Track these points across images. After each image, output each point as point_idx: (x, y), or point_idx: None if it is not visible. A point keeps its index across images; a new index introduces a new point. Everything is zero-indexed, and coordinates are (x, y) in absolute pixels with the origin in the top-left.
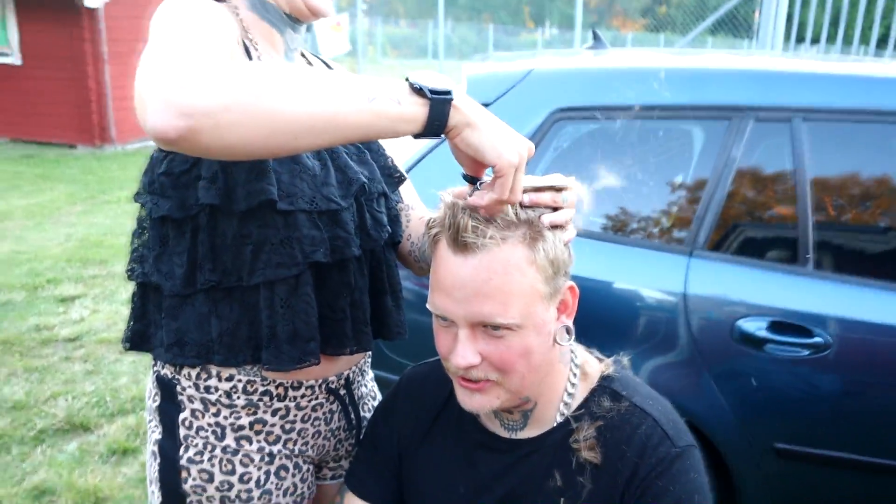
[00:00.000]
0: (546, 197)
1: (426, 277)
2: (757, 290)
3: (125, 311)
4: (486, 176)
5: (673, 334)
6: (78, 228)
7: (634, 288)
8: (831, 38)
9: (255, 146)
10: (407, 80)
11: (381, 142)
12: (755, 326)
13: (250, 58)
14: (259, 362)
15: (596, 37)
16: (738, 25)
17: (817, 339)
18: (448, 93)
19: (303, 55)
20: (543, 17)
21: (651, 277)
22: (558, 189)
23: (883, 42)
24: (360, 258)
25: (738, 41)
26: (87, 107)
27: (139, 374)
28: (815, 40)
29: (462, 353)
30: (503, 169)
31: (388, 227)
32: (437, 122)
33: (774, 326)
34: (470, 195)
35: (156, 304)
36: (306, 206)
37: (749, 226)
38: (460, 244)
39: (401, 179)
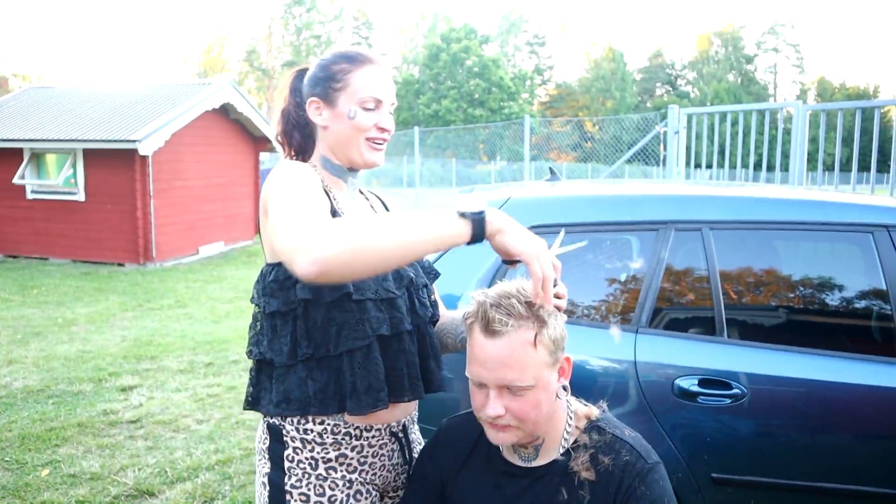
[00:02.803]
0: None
1: None
2: (688, 356)
3: (175, 396)
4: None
5: (628, 392)
6: (130, 331)
7: (597, 358)
8: (720, 164)
9: (363, 274)
10: (455, 209)
11: None
12: (689, 383)
13: (329, 199)
14: (344, 410)
15: (552, 172)
16: (648, 156)
17: (735, 391)
18: (482, 213)
19: (361, 192)
20: (495, 153)
21: (609, 350)
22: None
23: (758, 166)
24: (411, 332)
25: (649, 168)
26: (134, 233)
27: (191, 448)
28: (709, 165)
29: (493, 406)
30: (527, 257)
31: (430, 309)
32: (478, 234)
33: (703, 382)
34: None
35: (267, 374)
36: (372, 296)
37: (678, 308)
38: (490, 331)
39: (437, 275)
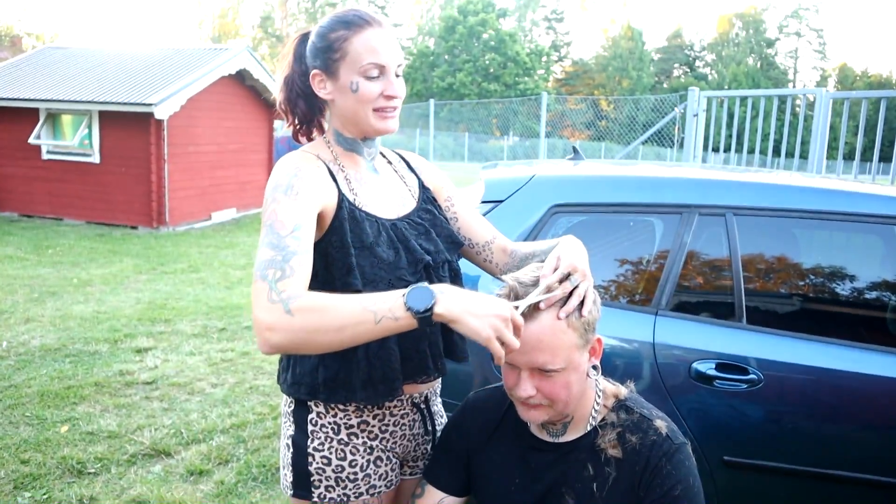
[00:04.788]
0: (559, 293)
1: None
2: (706, 340)
3: (189, 360)
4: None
5: (646, 373)
6: (145, 294)
7: (617, 338)
8: (737, 149)
9: (312, 353)
10: (404, 300)
11: (453, 208)
12: (706, 367)
13: (335, 179)
14: (350, 401)
15: (575, 151)
16: (663, 138)
17: (752, 376)
18: (430, 310)
19: (383, 155)
20: (508, 128)
21: (628, 331)
22: (567, 276)
23: (776, 152)
24: None
25: (664, 150)
26: (148, 196)
27: (206, 411)
28: (726, 150)
29: (524, 387)
30: (483, 343)
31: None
32: (427, 326)
33: (720, 367)
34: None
35: (289, 356)
36: (385, 288)
37: (698, 292)
38: (522, 314)
39: (460, 244)
